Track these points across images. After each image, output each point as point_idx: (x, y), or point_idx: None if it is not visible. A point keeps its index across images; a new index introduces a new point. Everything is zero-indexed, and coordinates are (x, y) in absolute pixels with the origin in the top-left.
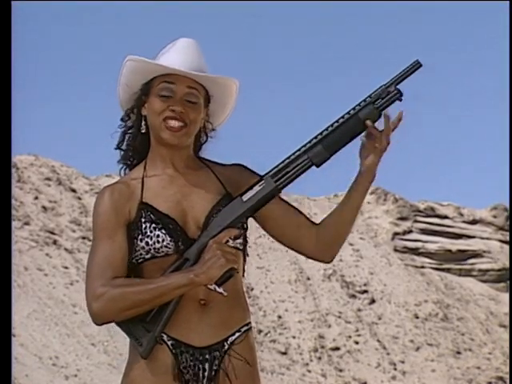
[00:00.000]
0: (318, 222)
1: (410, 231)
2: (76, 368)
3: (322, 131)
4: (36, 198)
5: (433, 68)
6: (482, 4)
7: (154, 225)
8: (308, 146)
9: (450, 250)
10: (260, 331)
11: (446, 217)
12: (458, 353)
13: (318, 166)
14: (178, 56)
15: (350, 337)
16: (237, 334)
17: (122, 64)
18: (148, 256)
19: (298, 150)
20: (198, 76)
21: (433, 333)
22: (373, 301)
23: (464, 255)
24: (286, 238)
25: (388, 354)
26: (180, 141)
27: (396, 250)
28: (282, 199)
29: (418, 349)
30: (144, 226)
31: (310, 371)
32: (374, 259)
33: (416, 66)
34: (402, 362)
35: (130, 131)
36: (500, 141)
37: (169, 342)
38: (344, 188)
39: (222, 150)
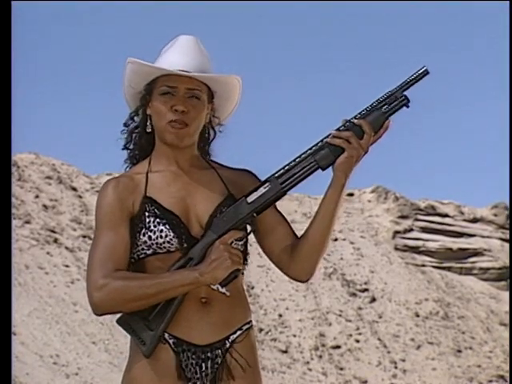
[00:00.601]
0: None
1: (411, 230)
2: (77, 366)
3: (328, 135)
4: (37, 196)
5: (437, 75)
6: (482, 4)
7: (158, 219)
8: (314, 148)
9: (450, 249)
10: (261, 330)
11: (446, 215)
12: (459, 351)
13: (323, 169)
14: (177, 56)
15: (350, 335)
16: (238, 333)
17: (124, 65)
18: (149, 251)
19: (305, 152)
20: (198, 77)
21: (433, 331)
22: (373, 299)
23: (465, 254)
24: (266, 250)
25: (389, 352)
26: (183, 142)
27: (397, 249)
28: (277, 210)
29: (418, 347)
30: (148, 220)
31: (310, 370)
32: (374, 258)
33: (423, 72)
34: (403, 361)
35: (136, 130)
36: (501, 139)
37: (170, 341)
38: None
39: (224, 150)
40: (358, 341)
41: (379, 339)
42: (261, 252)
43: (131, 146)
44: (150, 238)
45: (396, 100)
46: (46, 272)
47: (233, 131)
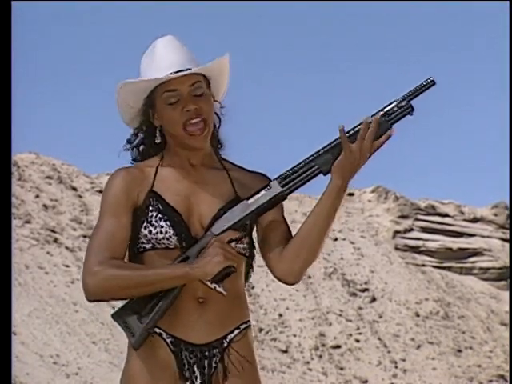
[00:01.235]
0: None
1: (411, 229)
2: (77, 366)
3: (333, 140)
4: (37, 196)
5: (437, 75)
6: (482, 4)
7: (159, 215)
8: (317, 153)
9: (450, 249)
10: (261, 329)
11: (446, 215)
12: (459, 351)
13: (325, 174)
14: (165, 59)
15: (350, 335)
16: (236, 332)
17: (116, 89)
18: (149, 246)
19: (308, 157)
20: (198, 70)
21: (434, 331)
22: (374, 299)
23: (465, 253)
24: (260, 250)
25: (389, 352)
26: (204, 143)
27: (397, 249)
28: (282, 213)
29: (418, 347)
30: (150, 214)
31: (310, 369)
32: (374, 257)
33: (430, 83)
34: (403, 360)
35: (143, 143)
36: (501, 139)
37: (168, 340)
38: None
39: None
40: (358, 340)
41: (379, 339)
42: (256, 247)
43: (139, 157)
44: (150, 232)
45: (401, 108)
46: (46, 272)
47: (233, 130)
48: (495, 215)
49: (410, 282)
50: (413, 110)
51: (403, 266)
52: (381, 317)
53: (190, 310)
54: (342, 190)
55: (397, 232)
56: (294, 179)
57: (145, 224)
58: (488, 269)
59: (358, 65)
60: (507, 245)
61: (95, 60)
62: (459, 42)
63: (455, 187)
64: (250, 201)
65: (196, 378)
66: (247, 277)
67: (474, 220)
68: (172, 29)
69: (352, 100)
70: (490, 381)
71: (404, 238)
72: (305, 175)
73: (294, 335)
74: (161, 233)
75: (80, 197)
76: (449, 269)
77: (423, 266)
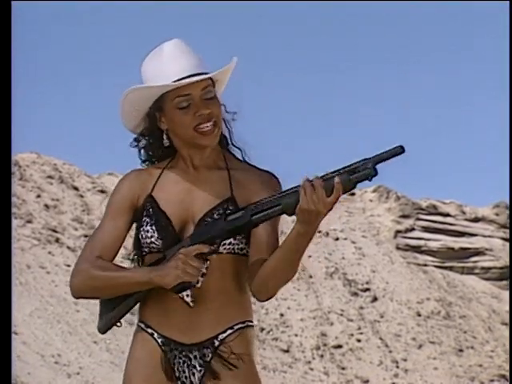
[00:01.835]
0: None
1: (413, 229)
2: (78, 366)
3: (298, 185)
4: (38, 196)
5: (438, 74)
6: (482, 4)
7: (148, 219)
8: (285, 194)
9: (452, 248)
10: (262, 329)
11: (448, 215)
12: (461, 351)
13: (290, 215)
14: (178, 64)
15: (352, 335)
16: (228, 331)
17: (125, 94)
18: (146, 250)
19: (280, 193)
20: (215, 75)
21: (435, 331)
22: (375, 299)
23: (466, 253)
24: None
25: (390, 351)
26: (213, 142)
27: (398, 248)
28: (274, 226)
29: (420, 347)
30: (143, 219)
31: (312, 369)
32: (376, 257)
33: (398, 151)
34: (405, 360)
35: (150, 146)
36: (502, 138)
37: (159, 340)
38: None
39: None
40: (359, 340)
41: (381, 339)
42: None
43: (148, 160)
44: (142, 237)
45: (365, 170)
46: (47, 271)
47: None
48: (496, 215)
49: (412, 281)
50: (375, 175)
51: (404, 265)
52: (382, 316)
53: (179, 310)
54: (303, 235)
55: (398, 232)
56: (262, 212)
57: (140, 229)
58: (489, 268)
59: (358, 65)
60: (508, 244)
61: (96, 60)
62: (459, 42)
63: (457, 187)
64: (229, 218)
65: (186, 378)
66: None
67: (476, 220)
68: (172, 29)
69: (352, 100)
70: (492, 380)
71: (405, 237)
72: (270, 212)
73: (296, 335)
74: (148, 237)
75: (81, 197)
76: (450, 268)
77: (425, 265)
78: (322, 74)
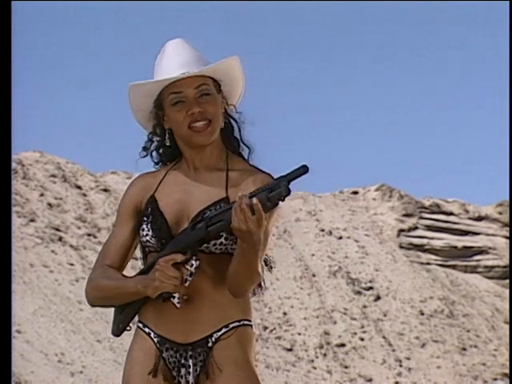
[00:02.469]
0: (322, 218)
1: (416, 228)
2: (81, 365)
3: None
4: (41, 194)
5: (438, 74)
6: (482, 4)
7: (146, 218)
8: (228, 208)
9: (455, 247)
10: (265, 328)
11: (451, 213)
12: (464, 349)
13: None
14: (171, 61)
15: (355, 333)
16: (223, 330)
17: (127, 92)
18: (146, 249)
19: (228, 207)
20: (197, 72)
21: (438, 329)
22: (378, 297)
23: (469, 252)
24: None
25: (393, 350)
26: (206, 139)
27: (401, 247)
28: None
29: (423, 345)
30: (143, 219)
31: (315, 368)
32: (379, 256)
33: (303, 170)
34: (408, 359)
35: (162, 145)
36: (505, 137)
37: (155, 339)
38: (349, 184)
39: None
40: (362, 339)
41: (384, 337)
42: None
43: (159, 160)
44: (140, 236)
45: (279, 188)
46: (50, 270)
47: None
48: (500, 213)
49: (415, 280)
50: (288, 194)
51: (408, 264)
52: (385, 315)
53: (174, 310)
54: (247, 249)
55: (401, 230)
56: (219, 221)
57: (139, 228)
58: (492, 267)
59: (358, 64)
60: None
61: (99, 58)
62: (459, 41)
63: (460, 185)
64: (210, 228)
65: (182, 377)
66: None
67: (479, 218)
68: (172, 28)
69: (353, 99)
70: (495, 379)
71: (408, 236)
72: (219, 225)
73: (299, 333)
74: (144, 236)
75: (84, 195)
76: (453, 267)
77: (428, 264)
78: (323, 75)
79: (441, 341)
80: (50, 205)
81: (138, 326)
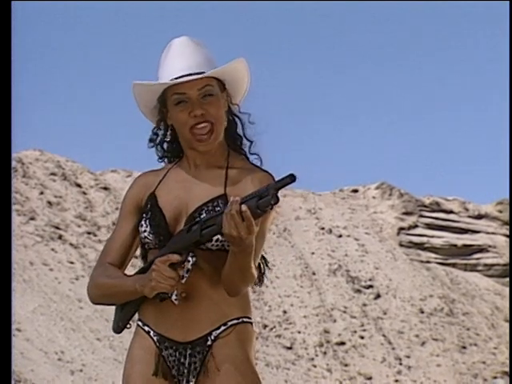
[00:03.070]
0: (322, 217)
1: (416, 226)
2: (81, 363)
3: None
4: (41, 193)
5: (439, 74)
6: (482, 4)
7: (145, 215)
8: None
9: (455, 245)
10: (265, 326)
11: (451, 212)
12: (464, 348)
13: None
14: (176, 61)
15: (355, 332)
16: (222, 328)
17: (131, 88)
18: (146, 246)
19: (220, 212)
20: (201, 77)
21: (438, 328)
22: (378, 296)
23: (469, 250)
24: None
25: (393, 348)
26: (209, 147)
27: (401, 245)
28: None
29: (423, 344)
30: (143, 216)
31: (315, 366)
32: (379, 254)
33: (289, 180)
34: (408, 357)
35: (165, 141)
36: (505, 136)
37: (155, 338)
38: (349, 182)
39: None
40: (362, 337)
41: (384, 336)
42: (265, 248)
43: (166, 155)
44: (140, 232)
45: (268, 196)
46: (50, 268)
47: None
48: (500, 212)
49: (415, 278)
50: (277, 202)
51: (408, 262)
52: (385, 313)
53: (173, 308)
54: (238, 253)
55: (401, 229)
56: (209, 227)
57: (139, 225)
58: (492, 265)
59: (358, 64)
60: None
61: (99, 57)
62: (459, 41)
63: (460, 184)
64: (203, 232)
65: (181, 375)
66: None
67: (479, 216)
68: (172, 28)
69: (354, 99)
70: (495, 377)
71: (408, 234)
72: (210, 229)
73: (299, 332)
74: (143, 232)
75: (84, 193)
76: (453, 265)
77: (428, 262)
78: (322, 74)
79: (441, 339)
80: (49, 203)
81: (138, 325)
